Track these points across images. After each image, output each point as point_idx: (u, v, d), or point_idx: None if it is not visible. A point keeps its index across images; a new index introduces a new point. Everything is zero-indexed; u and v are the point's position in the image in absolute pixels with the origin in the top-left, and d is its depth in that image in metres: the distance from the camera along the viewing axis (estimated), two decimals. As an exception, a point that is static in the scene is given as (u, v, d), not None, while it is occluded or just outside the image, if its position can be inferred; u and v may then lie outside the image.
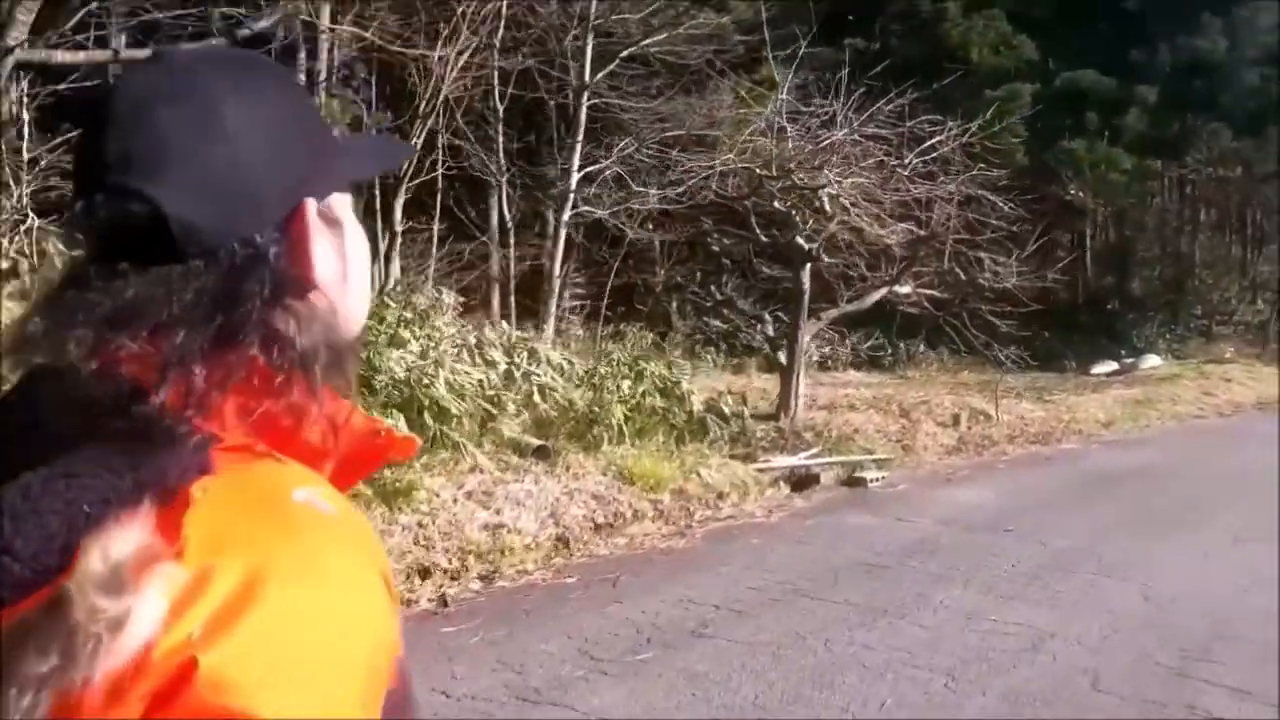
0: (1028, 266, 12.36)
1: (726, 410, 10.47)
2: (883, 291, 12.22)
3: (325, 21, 10.88)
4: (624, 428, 8.83)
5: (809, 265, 11.20)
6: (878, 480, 9.76)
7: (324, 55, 11.47)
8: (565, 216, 12.15)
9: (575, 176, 11.11)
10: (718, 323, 14.50)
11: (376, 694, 0.59)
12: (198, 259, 0.63)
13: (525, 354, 9.38)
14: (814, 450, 10.82)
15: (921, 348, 21.59)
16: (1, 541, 0.53)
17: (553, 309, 12.25)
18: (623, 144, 10.53)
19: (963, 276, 12.57)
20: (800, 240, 10.97)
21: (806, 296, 11.35)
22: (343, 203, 0.73)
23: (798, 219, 10.89)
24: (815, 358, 22.55)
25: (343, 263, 0.72)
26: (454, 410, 7.74)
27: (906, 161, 10.63)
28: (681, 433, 10.01)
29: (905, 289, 12.52)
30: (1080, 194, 22.40)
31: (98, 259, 0.64)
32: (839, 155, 10.71)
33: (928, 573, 6.25)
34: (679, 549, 6.91)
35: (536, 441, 8.24)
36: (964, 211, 11.31)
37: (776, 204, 10.84)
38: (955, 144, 10.94)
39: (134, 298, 0.61)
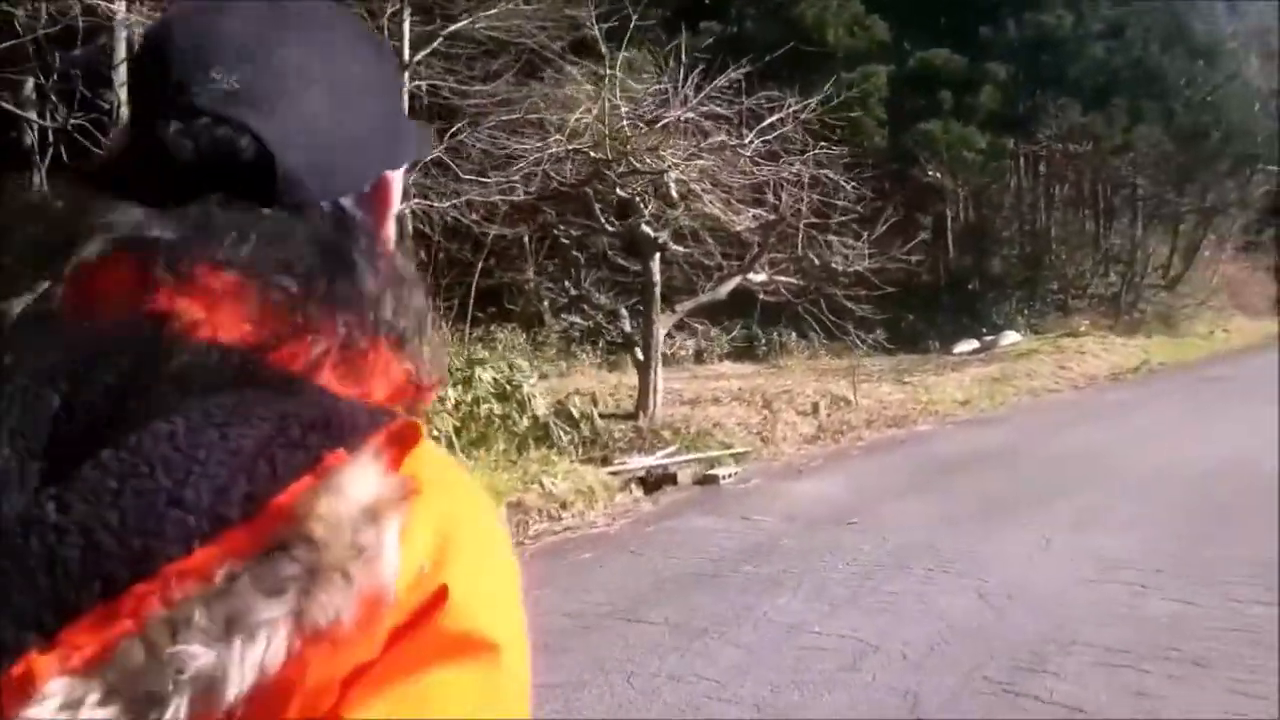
0: (878, 249, 12.16)
1: (575, 412, 9.94)
2: (736, 280, 11.87)
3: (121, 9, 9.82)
4: (453, 439, 8.19)
5: (658, 255, 10.76)
6: (730, 477, 9.39)
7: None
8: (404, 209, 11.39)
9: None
10: (578, 319, 13.91)
11: None
12: (289, 211, 0.59)
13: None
14: (671, 449, 10.40)
15: (793, 336, 21.37)
16: (167, 494, 0.49)
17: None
18: (452, 129, 9.81)
19: (816, 261, 12.32)
20: (646, 228, 10.50)
21: (658, 288, 10.90)
22: (399, 181, 0.70)
23: (641, 205, 10.41)
24: (689, 351, 22.51)
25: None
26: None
27: (747, 141, 10.25)
28: (524, 439, 9.45)
29: (760, 276, 12.21)
30: (939, 175, 22.64)
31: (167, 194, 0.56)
32: (679, 135, 10.27)
33: (760, 579, 5.85)
34: (500, 570, 6.34)
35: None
36: (811, 194, 11.02)
37: (620, 191, 10.34)
38: (795, 122, 10.62)
39: (260, 242, 0.56)
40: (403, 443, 0.55)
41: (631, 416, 11.20)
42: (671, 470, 9.81)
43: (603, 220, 10.37)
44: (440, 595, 0.54)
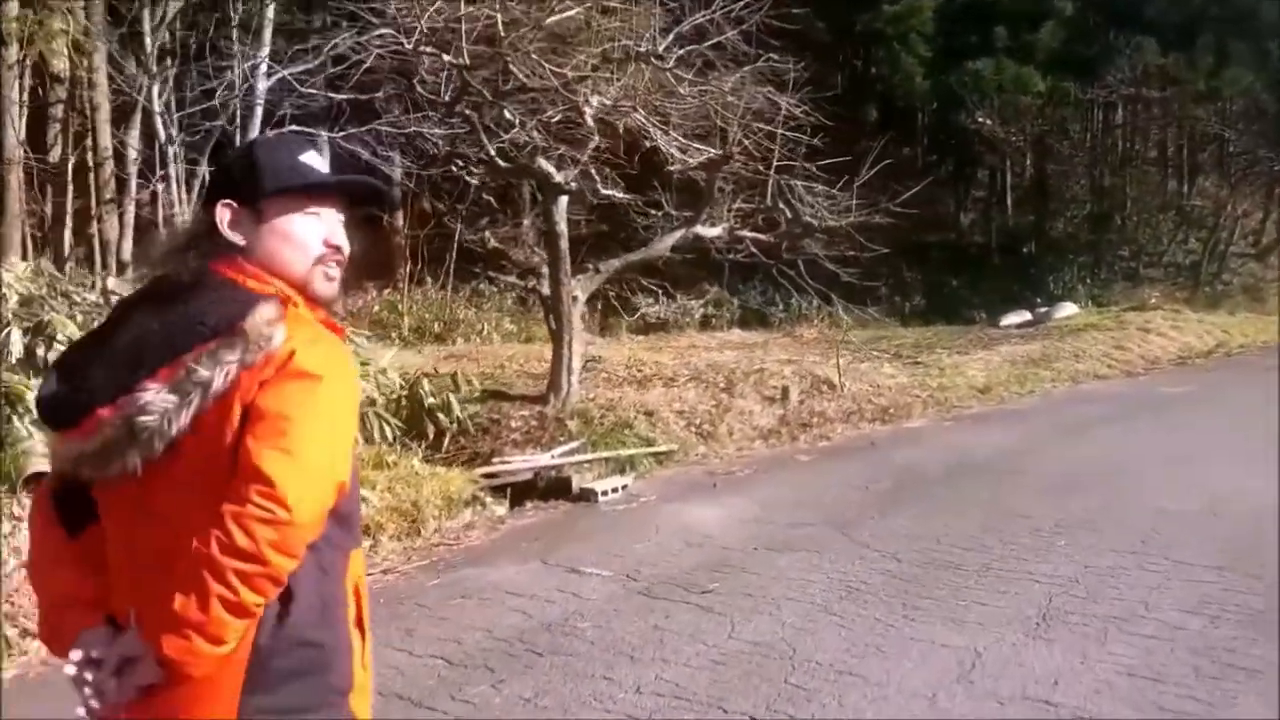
0: (862, 199, 9.58)
1: (429, 398, 7.70)
2: (677, 235, 9.45)
3: None
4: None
5: (562, 199, 8.38)
6: (615, 492, 7.08)
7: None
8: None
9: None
10: (493, 276, 11.59)
11: (350, 440, 1.58)
12: None
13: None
14: (570, 445, 8.12)
15: (815, 303, 18.52)
16: (200, 320, 1.47)
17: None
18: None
19: (787, 214, 9.81)
20: (544, 164, 8.13)
21: (564, 240, 8.54)
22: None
23: (535, 134, 8.04)
24: (694, 317, 20.00)
25: None
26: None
27: (662, 49, 7.75)
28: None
29: (713, 231, 9.76)
30: (988, 122, 19.61)
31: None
32: (586, 44, 7.86)
33: (491, 704, 3.58)
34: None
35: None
36: (760, 123, 8.53)
37: (507, 113, 7.97)
38: (732, 25, 8.08)
39: None
40: (286, 303, 1.51)
41: (538, 400, 8.92)
42: (565, 475, 7.56)
43: (491, 154, 8.03)
44: (289, 356, 1.45)
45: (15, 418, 5.47)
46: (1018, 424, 9.58)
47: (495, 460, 7.86)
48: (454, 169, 9.02)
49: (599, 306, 16.57)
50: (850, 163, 10.15)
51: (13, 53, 10.74)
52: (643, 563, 5.28)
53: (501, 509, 6.96)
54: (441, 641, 4.26)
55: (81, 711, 1.46)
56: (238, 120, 10.43)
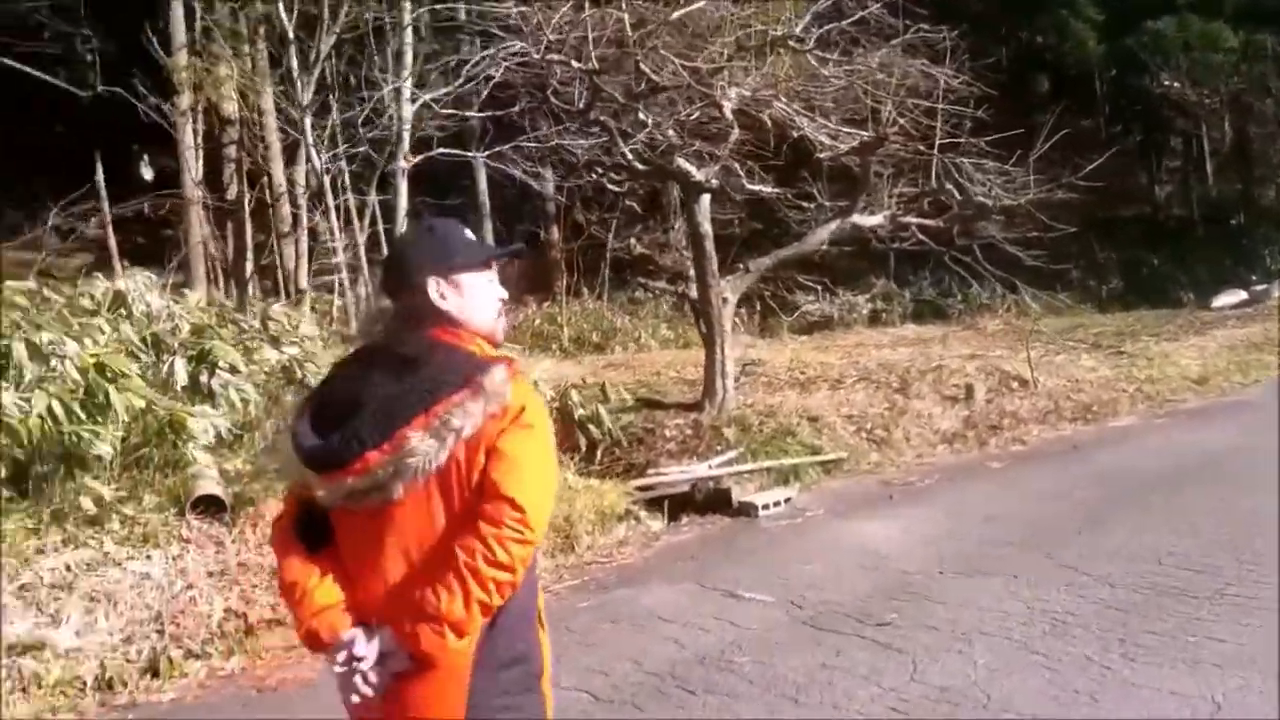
0: (1040, 174, 8.64)
1: (579, 409, 7.39)
2: (832, 227, 8.81)
3: None
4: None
5: (704, 198, 7.93)
6: (778, 505, 6.54)
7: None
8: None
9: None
10: (645, 282, 11.22)
11: None
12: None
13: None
14: (729, 455, 7.65)
15: (998, 291, 17.15)
16: (444, 379, 1.80)
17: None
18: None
19: (957, 195, 9.02)
20: (683, 163, 7.72)
21: (709, 241, 8.08)
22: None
23: (671, 134, 7.64)
24: (862, 314, 19.04)
25: None
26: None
27: (799, 31, 7.15)
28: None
29: (873, 219, 9.09)
30: (1176, 84, 17.81)
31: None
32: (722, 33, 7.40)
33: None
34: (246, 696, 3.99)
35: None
36: (916, 99, 7.82)
37: (641, 114, 7.60)
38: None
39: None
40: (511, 365, 1.86)
41: (694, 408, 8.49)
42: (726, 486, 7.11)
43: (629, 158, 7.68)
44: (521, 410, 1.82)
45: (180, 443, 5.48)
46: (1242, 418, 8.44)
47: (650, 472, 7.48)
48: (595, 175, 8.72)
49: (756, 308, 16.02)
50: (1023, 136, 9.24)
51: (185, 100, 11.29)
52: (809, 587, 4.75)
53: (657, 524, 6.57)
54: (589, 673, 3.89)
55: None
56: (389, 148, 10.55)
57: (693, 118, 7.93)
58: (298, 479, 1.90)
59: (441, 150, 10.39)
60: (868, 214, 9.09)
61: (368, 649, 1.78)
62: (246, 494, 5.03)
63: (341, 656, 1.78)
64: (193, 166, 11.63)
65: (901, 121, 7.68)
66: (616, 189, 10.04)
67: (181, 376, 6.20)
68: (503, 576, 1.73)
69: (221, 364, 6.25)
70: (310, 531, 1.89)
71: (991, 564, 4.84)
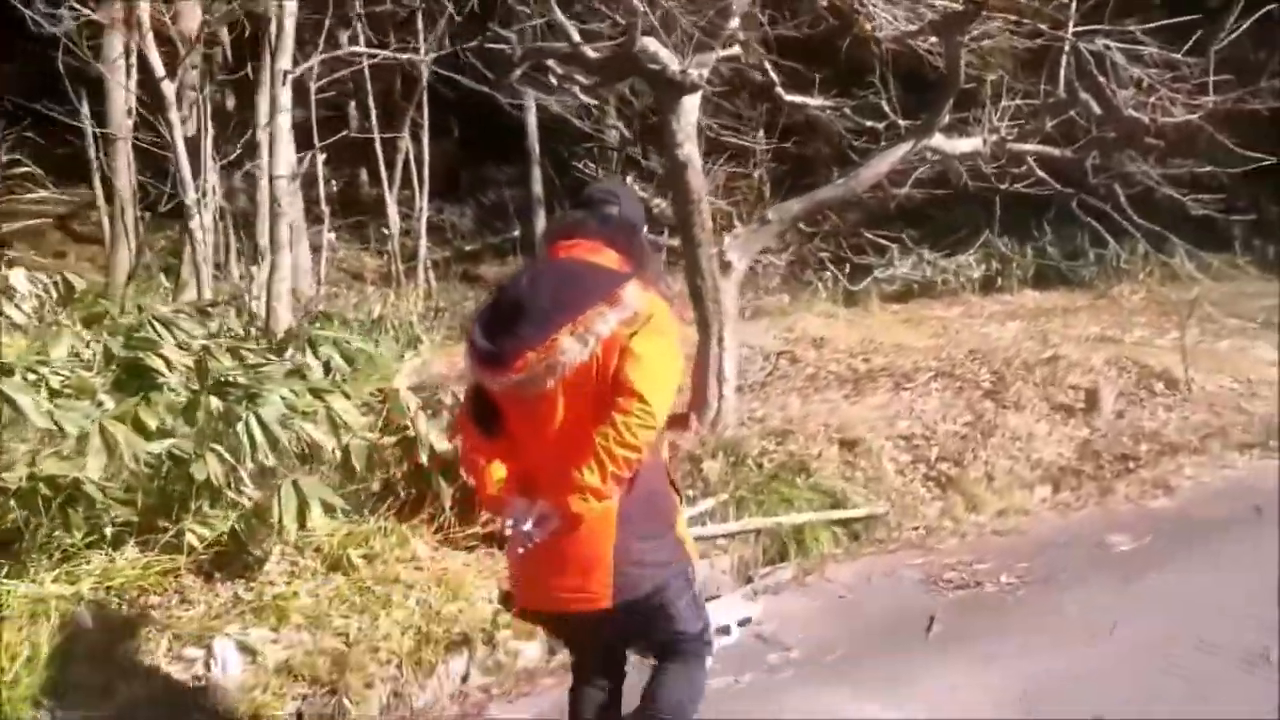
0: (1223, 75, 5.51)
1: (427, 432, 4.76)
2: (898, 154, 5.86)
3: None
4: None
5: (687, 104, 5.14)
6: (726, 633, 3.81)
7: None
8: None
9: None
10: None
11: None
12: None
13: None
14: (702, 506, 4.98)
15: (1141, 249, 13.30)
16: (591, 291, 2.36)
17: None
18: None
19: (1095, 107, 5.96)
20: (649, 44, 4.94)
21: (696, 175, 5.30)
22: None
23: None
24: (976, 276, 15.60)
25: None
26: None
27: None
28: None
29: (965, 144, 6.16)
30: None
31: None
32: None
33: None
34: None
35: None
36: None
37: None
38: None
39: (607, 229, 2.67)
40: (644, 280, 2.43)
41: (672, 424, 5.74)
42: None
43: (574, 37, 4.92)
44: (649, 318, 2.35)
45: None
46: None
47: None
48: (540, 76, 6.00)
49: (845, 269, 13.01)
50: (1199, 21, 6.05)
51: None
52: None
53: (533, 650, 3.89)
54: None
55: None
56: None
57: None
58: (473, 374, 2.50)
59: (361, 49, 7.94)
60: (956, 135, 6.15)
61: (530, 512, 2.35)
62: None
63: (510, 521, 2.38)
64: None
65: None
66: (588, 99, 7.26)
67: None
68: (632, 456, 2.28)
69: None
70: (484, 417, 2.46)
71: None
